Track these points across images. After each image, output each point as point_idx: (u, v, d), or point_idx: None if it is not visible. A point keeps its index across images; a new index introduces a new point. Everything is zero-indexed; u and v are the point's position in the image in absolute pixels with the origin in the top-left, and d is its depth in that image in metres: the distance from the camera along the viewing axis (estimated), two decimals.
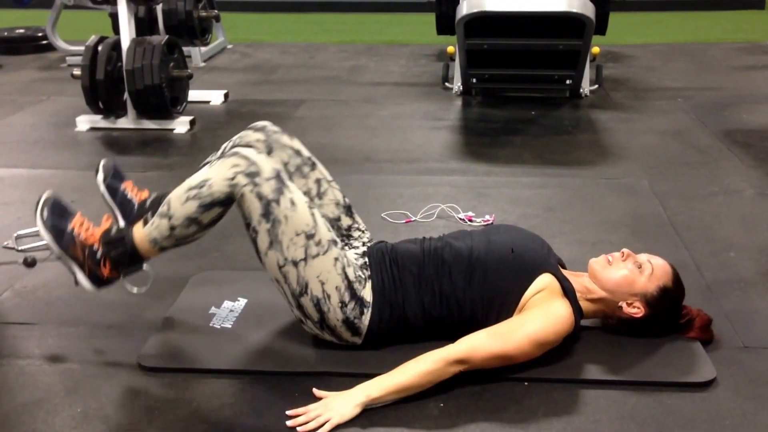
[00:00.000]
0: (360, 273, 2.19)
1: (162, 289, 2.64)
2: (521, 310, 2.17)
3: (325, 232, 2.15)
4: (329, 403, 1.99)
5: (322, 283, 2.12)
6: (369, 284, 2.19)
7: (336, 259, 2.14)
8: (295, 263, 2.10)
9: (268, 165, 2.13)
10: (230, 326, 2.37)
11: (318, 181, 2.37)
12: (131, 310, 2.52)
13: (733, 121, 4.59)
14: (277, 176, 2.12)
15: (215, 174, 2.10)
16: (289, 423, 1.95)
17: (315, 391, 2.06)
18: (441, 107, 5.02)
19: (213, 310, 2.46)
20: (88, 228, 2.23)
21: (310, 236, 2.11)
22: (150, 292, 2.59)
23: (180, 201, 2.12)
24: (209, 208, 2.10)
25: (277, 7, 9.08)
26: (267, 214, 2.09)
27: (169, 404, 2.04)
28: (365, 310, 2.17)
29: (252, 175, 2.08)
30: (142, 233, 2.19)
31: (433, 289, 2.19)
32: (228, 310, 2.46)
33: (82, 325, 2.44)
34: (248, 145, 2.33)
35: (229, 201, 2.11)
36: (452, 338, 2.13)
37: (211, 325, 2.38)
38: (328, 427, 1.93)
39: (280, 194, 2.10)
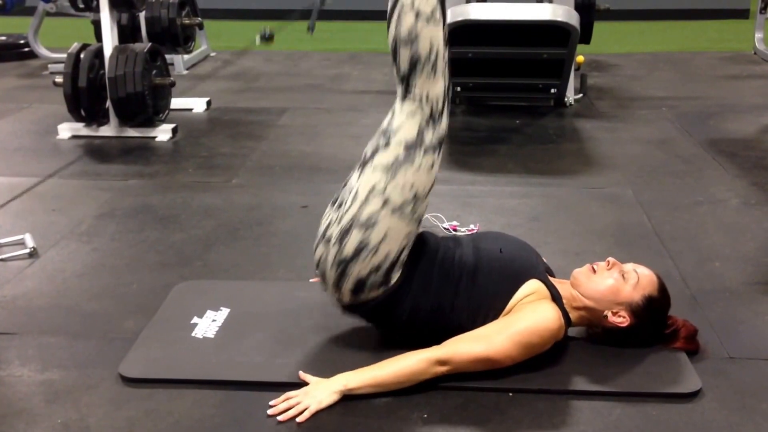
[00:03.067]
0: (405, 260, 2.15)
1: (144, 298, 2.62)
2: (508, 314, 2.16)
3: (422, 210, 2.13)
4: (309, 390, 2.02)
5: (384, 239, 2.08)
6: (399, 274, 2.15)
7: (409, 233, 2.12)
8: (386, 202, 2.07)
9: (446, 126, 2.13)
10: (212, 336, 2.35)
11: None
12: (112, 320, 2.49)
13: (718, 131, 4.61)
14: (441, 140, 2.12)
15: (438, 78, 2.07)
16: (269, 411, 1.98)
17: (301, 374, 2.10)
18: None
19: (195, 319, 2.43)
20: None
21: (416, 199, 2.09)
22: (131, 302, 2.58)
23: (427, 35, 2.04)
24: (419, 65, 2.07)
25: (261, 15, 9.03)
26: (411, 148, 2.08)
27: (150, 415, 2.01)
28: (381, 288, 2.13)
29: (433, 118, 2.09)
30: None
31: (429, 289, 2.17)
32: (210, 320, 2.43)
33: (63, 334, 2.41)
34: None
35: (409, 86, 2.09)
36: (430, 342, 2.12)
37: (193, 335, 2.35)
38: (306, 414, 1.96)
39: (432, 151, 2.09)
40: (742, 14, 8.84)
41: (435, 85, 2.08)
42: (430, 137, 2.09)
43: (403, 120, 2.10)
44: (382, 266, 2.10)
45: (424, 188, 2.11)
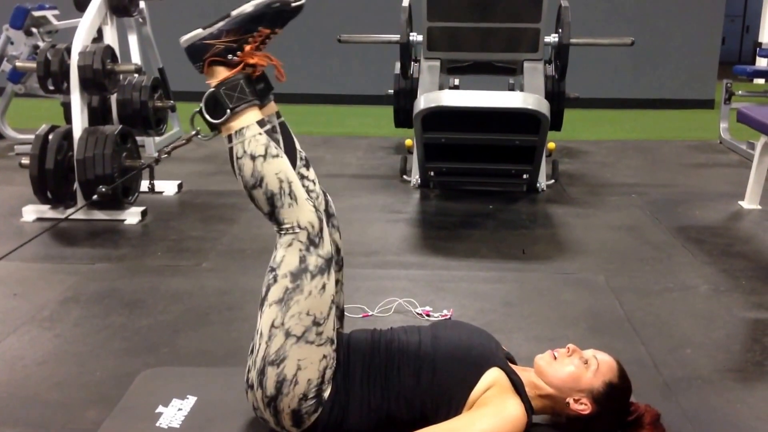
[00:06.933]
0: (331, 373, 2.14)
1: (107, 387, 2.55)
2: (471, 407, 2.11)
3: (330, 330, 2.12)
4: None
5: (299, 369, 2.06)
6: (329, 389, 2.13)
7: (324, 356, 2.10)
8: (288, 334, 2.06)
9: (328, 246, 2.13)
10: (178, 426, 2.27)
11: (337, 282, 2.31)
12: (73, 410, 2.41)
13: (686, 218, 4.65)
14: (328, 260, 2.12)
15: (301, 204, 2.09)
16: None
17: None
18: (399, 200, 5.02)
19: (160, 408, 2.35)
20: (251, 58, 2.14)
21: (317, 323, 2.08)
22: (94, 391, 2.50)
23: (271, 171, 2.08)
24: (277, 200, 2.09)
25: None
26: (297, 277, 2.07)
27: None
28: (319, 409, 2.11)
29: (311, 242, 2.09)
30: (245, 120, 2.11)
31: (382, 385, 2.14)
32: (176, 409, 2.35)
33: (21, 426, 2.32)
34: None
35: (279, 222, 2.10)
36: None
37: (157, 424, 2.27)
38: None
39: (320, 274, 2.09)
40: (707, 104, 9.05)
41: (302, 212, 2.10)
42: (314, 261, 2.09)
43: (284, 253, 2.11)
44: (308, 393, 2.09)
45: (322, 312, 2.10)
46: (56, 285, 3.45)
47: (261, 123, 2.13)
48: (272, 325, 2.07)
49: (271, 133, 2.15)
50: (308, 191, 2.17)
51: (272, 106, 2.20)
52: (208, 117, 2.12)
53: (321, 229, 2.12)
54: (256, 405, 2.14)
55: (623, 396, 2.20)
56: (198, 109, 2.13)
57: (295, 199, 2.09)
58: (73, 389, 2.54)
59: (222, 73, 2.11)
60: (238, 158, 2.09)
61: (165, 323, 3.08)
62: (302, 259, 2.08)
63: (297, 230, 2.09)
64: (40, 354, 2.80)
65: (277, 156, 2.10)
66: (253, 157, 2.08)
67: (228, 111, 2.09)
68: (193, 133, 2.24)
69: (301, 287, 2.07)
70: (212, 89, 2.11)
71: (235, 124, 2.11)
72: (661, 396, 2.49)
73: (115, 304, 3.26)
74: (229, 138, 2.11)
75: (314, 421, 2.11)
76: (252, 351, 2.14)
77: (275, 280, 2.09)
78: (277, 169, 2.09)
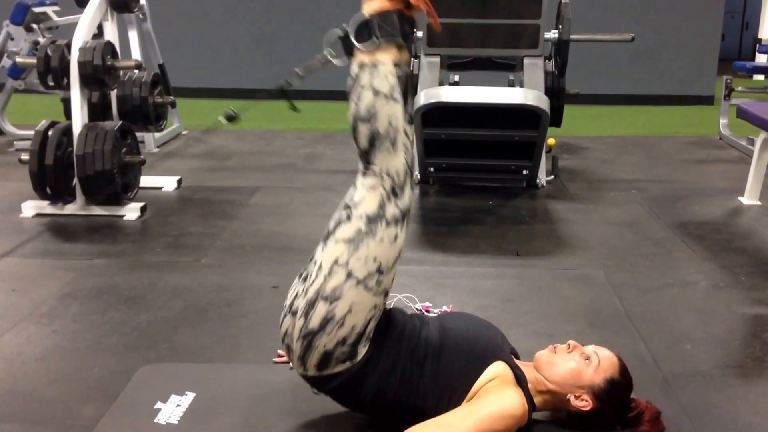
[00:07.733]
0: (372, 334, 2.13)
1: (106, 383, 2.55)
2: (472, 398, 2.12)
3: (389, 282, 2.13)
4: None
5: (349, 312, 2.06)
6: (366, 349, 2.12)
7: (375, 306, 2.10)
8: (350, 275, 2.06)
9: (408, 200, 2.14)
10: (176, 422, 2.27)
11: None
12: (72, 406, 2.41)
13: (686, 214, 4.64)
14: (404, 212, 2.13)
15: (398, 154, 2.10)
16: None
17: None
18: None
19: (159, 405, 2.35)
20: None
21: (380, 272, 2.08)
22: (92, 387, 2.50)
23: (385, 113, 2.08)
24: (378, 141, 2.09)
25: (234, 94, 9.11)
26: (372, 221, 2.08)
27: None
28: (347, 363, 2.10)
29: (394, 191, 2.10)
30: (385, 56, 2.11)
31: (396, 369, 2.13)
32: (175, 405, 2.35)
33: (19, 422, 2.32)
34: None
35: (370, 161, 2.10)
36: (395, 428, 2.07)
37: (156, 420, 2.27)
38: None
39: (395, 224, 2.10)
40: (707, 100, 9.03)
41: (394, 160, 2.10)
42: (392, 210, 2.10)
43: (365, 194, 2.11)
44: (348, 339, 2.08)
45: (388, 261, 2.10)
46: (55, 281, 3.44)
47: (396, 65, 2.12)
48: (335, 262, 2.07)
49: (399, 79, 2.13)
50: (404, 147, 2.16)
51: (406, 54, 2.18)
52: (354, 40, 2.10)
53: (405, 182, 2.12)
54: (289, 332, 2.13)
55: (624, 392, 2.20)
56: (343, 33, 2.11)
57: (394, 147, 2.09)
58: (71, 385, 2.54)
59: (381, 3, 2.11)
60: (361, 86, 2.09)
61: (164, 319, 3.08)
62: (381, 206, 2.08)
63: (384, 176, 2.09)
64: (39, 350, 2.79)
65: (396, 101, 2.10)
66: (376, 92, 2.07)
67: (376, 40, 2.08)
68: (328, 54, 2.19)
69: (375, 232, 2.07)
70: (368, 16, 2.09)
71: (375, 56, 2.09)
72: (660, 392, 2.48)
73: (114, 299, 3.26)
74: (361, 65, 2.10)
75: (336, 372, 2.10)
76: (305, 278, 2.14)
77: (349, 218, 2.09)
78: (392, 113, 2.09)
